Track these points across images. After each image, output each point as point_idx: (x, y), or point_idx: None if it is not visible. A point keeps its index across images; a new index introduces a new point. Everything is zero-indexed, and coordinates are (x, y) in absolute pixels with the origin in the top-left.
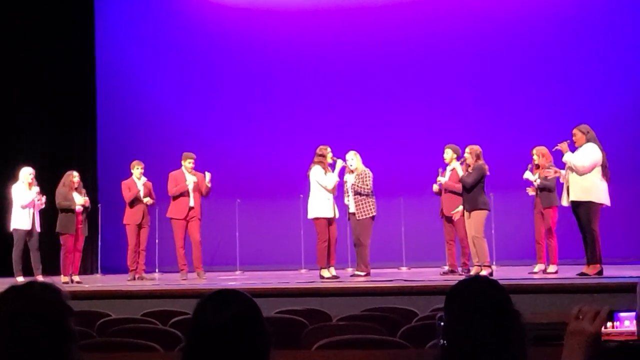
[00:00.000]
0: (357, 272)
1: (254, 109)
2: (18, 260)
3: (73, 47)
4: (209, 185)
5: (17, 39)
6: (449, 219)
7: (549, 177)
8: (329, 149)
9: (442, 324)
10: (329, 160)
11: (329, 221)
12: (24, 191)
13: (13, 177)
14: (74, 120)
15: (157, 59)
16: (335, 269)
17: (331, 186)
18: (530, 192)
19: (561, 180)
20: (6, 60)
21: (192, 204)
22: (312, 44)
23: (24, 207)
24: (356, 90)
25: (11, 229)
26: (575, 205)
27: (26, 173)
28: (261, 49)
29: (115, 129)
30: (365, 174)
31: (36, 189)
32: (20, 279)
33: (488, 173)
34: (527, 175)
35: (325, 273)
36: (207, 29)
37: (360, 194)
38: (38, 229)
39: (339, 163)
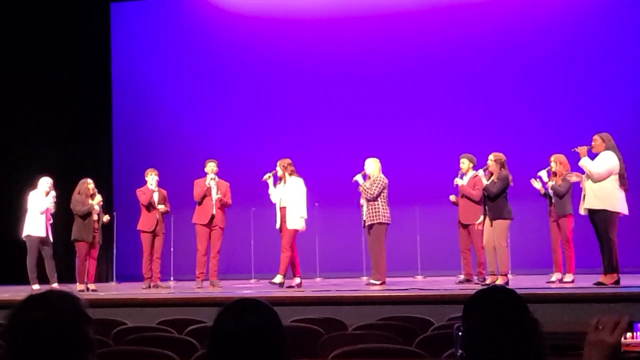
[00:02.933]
0: (372, 281)
1: (269, 118)
2: (32, 268)
3: (89, 55)
4: (219, 197)
5: (33, 48)
6: (465, 226)
7: (571, 181)
8: (279, 163)
9: (459, 333)
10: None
11: (280, 229)
12: (41, 198)
13: (29, 186)
14: (89, 128)
15: (172, 68)
16: (350, 277)
17: (272, 199)
18: (535, 184)
19: (581, 185)
20: (21, 68)
21: (213, 211)
22: (329, 51)
23: (41, 213)
24: (372, 98)
25: (24, 236)
26: (591, 213)
27: (45, 182)
28: (276, 57)
29: (130, 137)
30: (377, 181)
31: (53, 193)
32: (36, 287)
33: (512, 183)
34: (542, 173)
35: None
36: (223, 37)
37: (367, 199)
38: (51, 238)
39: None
